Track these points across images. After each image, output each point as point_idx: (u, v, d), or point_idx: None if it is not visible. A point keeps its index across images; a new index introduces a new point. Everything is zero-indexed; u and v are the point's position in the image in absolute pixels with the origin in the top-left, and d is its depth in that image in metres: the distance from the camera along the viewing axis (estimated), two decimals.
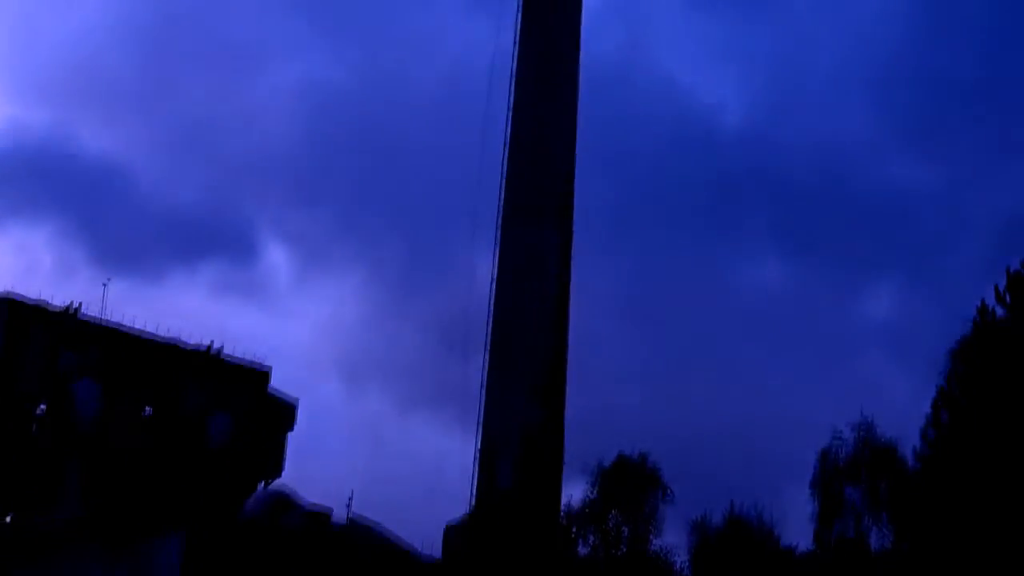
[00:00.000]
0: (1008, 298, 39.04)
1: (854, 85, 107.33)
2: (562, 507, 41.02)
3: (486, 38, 40.37)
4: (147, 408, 58.72)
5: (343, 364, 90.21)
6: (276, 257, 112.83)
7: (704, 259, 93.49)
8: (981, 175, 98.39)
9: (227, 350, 60.10)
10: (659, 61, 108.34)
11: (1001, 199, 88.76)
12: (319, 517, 38.06)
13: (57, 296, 57.57)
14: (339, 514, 40.59)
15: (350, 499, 45.62)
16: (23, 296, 55.59)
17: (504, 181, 37.10)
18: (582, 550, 52.24)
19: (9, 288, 55.52)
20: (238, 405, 60.56)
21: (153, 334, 58.41)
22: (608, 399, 60.08)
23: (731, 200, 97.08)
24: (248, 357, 60.85)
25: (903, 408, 54.58)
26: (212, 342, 59.90)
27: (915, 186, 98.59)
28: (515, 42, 38.47)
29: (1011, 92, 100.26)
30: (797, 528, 49.66)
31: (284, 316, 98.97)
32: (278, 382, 61.84)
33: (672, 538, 52.42)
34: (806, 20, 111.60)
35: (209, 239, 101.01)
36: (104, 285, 60.33)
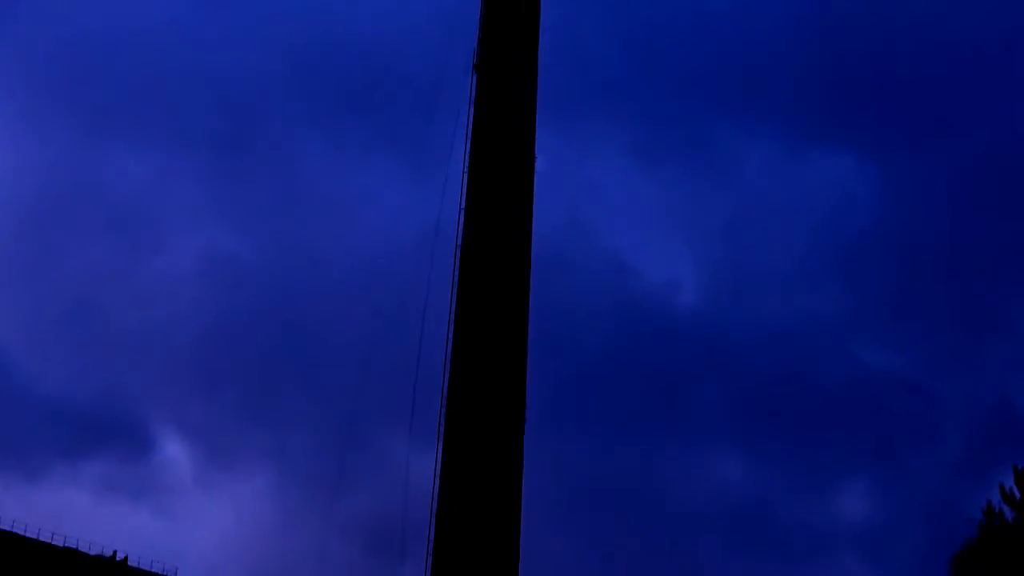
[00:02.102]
0: (1017, 495, 34.92)
1: (818, 262, 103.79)
2: None
3: (423, 205, 36.72)
4: None
5: (254, 571, 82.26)
6: (173, 451, 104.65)
7: (658, 456, 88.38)
8: (955, 359, 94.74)
9: (131, 557, 54.94)
10: (607, 236, 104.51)
11: (978, 384, 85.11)
12: None
13: None
14: None
15: None
16: None
17: (448, 370, 33.25)
18: None
19: None
20: None
21: (48, 540, 53.12)
22: None
23: (686, 389, 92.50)
24: (157, 566, 56.03)
25: None
26: (116, 551, 54.95)
27: (886, 372, 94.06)
28: (460, 212, 35.28)
29: (986, 271, 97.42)
30: None
31: (184, 518, 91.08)
32: None
33: None
34: (766, 192, 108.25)
35: (97, 431, 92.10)
36: None
